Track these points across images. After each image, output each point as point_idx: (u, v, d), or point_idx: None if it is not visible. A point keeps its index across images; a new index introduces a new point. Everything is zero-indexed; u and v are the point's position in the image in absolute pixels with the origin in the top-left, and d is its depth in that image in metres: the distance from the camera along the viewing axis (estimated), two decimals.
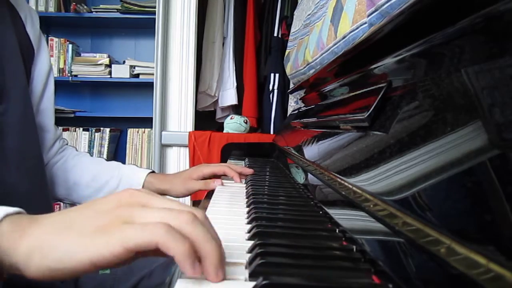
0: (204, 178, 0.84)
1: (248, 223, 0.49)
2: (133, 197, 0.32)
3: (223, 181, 0.81)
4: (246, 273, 0.33)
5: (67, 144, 0.88)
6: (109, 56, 2.44)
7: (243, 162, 1.20)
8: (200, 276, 0.29)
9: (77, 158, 0.85)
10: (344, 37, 0.78)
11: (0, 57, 0.61)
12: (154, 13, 1.75)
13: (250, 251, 0.38)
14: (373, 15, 0.60)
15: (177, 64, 1.77)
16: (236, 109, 2.22)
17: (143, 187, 0.84)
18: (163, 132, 1.74)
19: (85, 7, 2.44)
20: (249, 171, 0.86)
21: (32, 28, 0.73)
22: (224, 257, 0.31)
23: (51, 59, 2.64)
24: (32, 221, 0.32)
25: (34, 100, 0.74)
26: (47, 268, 0.29)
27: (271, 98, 2.14)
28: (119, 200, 0.32)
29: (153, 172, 0.87)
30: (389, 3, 0.55)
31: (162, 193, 0.85)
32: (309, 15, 1.21)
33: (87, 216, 0.31)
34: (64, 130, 2.46)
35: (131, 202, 0.32)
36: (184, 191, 0.83)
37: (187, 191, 0.84)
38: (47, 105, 0.77)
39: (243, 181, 0.84)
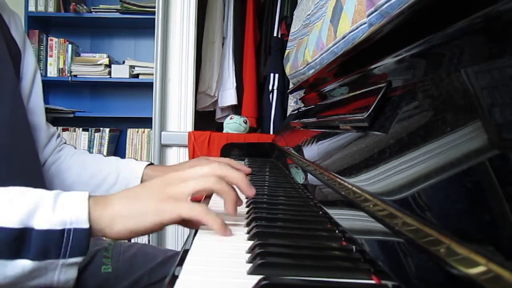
0: None
1: (248, 223, 0.49)
2: (174, 178, 0.47)
3: None
4: (246, 267, 0.33)
5: (65, 143, 0.88)
6: (108, 56, 2.44)
7: (242, 162, 1.20)
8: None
9: (75, 157, 0.85)
10: (343, 37, 0.78)
11: None
12: (153, 13, 1.74)
13: (250, 251, 0.38)
14: (372, 15, 0.60)
15: (176, 64, 1.77)
16: (236, 109, 2.22)
17: (141, 180, 0.83)
18: (162, 132, 1.74)
19: (85, 7, 2.44)
20: (248, 170, 0.86)
21: (17, 31, 0.75)
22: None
23: (50, 59, 2.61)
24: (107, 198, 0.44)
25: (23, 100, 0.74)
26: (127, 230, 0.42)
27: (270, 98, 2.14)
28: (165, 181, 0.47)
29: (151, 164, 0.86)
30: (388, 3, 0.55)
31: None
32: (308, 15, 1.21)
33: (147, 193, 0.45)
34: (63, 130, 2.45)
35: (172, 181, 0.46)
36: None
37: None
38: (35, 104, 0.78)
39: None
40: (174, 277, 0.32)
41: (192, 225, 0.47)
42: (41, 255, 0.39)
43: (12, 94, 0.68)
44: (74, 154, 0.86)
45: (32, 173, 0.71)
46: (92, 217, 0.42)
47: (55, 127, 0.86)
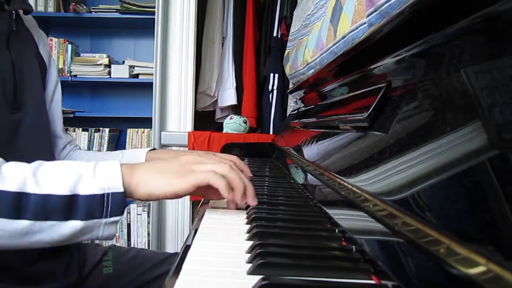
0: None
1: (248, 223, 0.49)
2: (195, 159, 0.57)
3: None
4: (246, 267, 0.33)
5: (79, 148, 0.93)
6: (108, 56, 2.44)
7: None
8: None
9: (83, 154, 0.89)
10: (343, 37, 0.78)
11: (21, 71, 0.70)
12: (153, 13, 1.74)
13: (249, 251, 0.38)
14: (372, 15, 0.60)
15: (176, 64, 1.76)
16: (236, 109, 2.22)
17: None
18: (162, 132, 1.74)
19: (85, 7, 2.44)
20: (250, 174, 0.86)
21: (44, 48, 0.83)
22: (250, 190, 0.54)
23: None
24: (134, 167, 0.52)
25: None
26: (146, 193, 0.50)
27: (270, 98, 2.13)
28: (186, 160, 0.55)
29: (154, 149, 0.89)
30: (388, 3, 0.55)
31: None
32: (308, 15, 1.21)
33: (169, 167, 0.53)
34: None
35: (193, 160, 0.56)
36: None
37: None
38: (54, 113, 0.84)
39: None
40: (174, 275, 0.32)
41: (207, 195, 0.58)
42: (88, 216, 0.47)
43: (38, 105, 0.74)
44: (83, 152, 0.90)
45: None
46: (126, 181, 0.50)
47: (73, 137, 0.92)
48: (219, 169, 0.52)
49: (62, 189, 0.47)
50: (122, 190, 0.49)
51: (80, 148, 0.93)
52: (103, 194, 0.48)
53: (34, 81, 0.74)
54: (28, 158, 0.68)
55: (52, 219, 0.46)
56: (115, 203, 0.49)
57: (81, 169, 0.49)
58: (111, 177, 0.49)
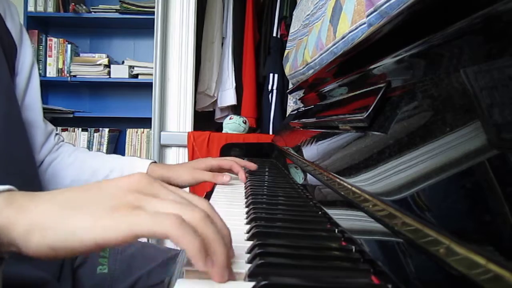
0: (211, 170, 0.84)
1: (247, 223, 0.49)
2: (146, 185, 0.31)
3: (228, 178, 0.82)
4: (246, 267, 0.33)
5: (63, 141, 0.85)
6: (108, 56, 2.44)
7: None
8: (201, 277, 0.30)
9: (75, 154, 0.83)
10: (343, 38, 0.78)
11: None
12: (153, 13, 1.75)
13: (249, 251, 0.38)
14: (372, 15, 0.60)
15: (176, 64, 1.76)
16: (235, 110, 2.22)
17: None
18: (162, 133, 1.74)
19: (84, 7, 2.44)
20: (253, 166, 0.87)
21: (13, 23, 0.71)
22: (232, 256, 0.31)
23: (50, 59, 2.60)
24: (30, 197, 0.31)
25: (18, 96, 0.71)
26: (48, 247, 0.28)
27: (270, 99, 2.14)
28: (130, 184, 0.31)
29: (154, 162, 0.85)
30: (388, 4, 0.55)
31: (166, 181, 0.82)
32: (308, 15, 1.21)
33: (95, 197, 0.29)
34: (63, 130, 2.45)
35: (143, 189, 0.31)
36: (191, 179, 0.81)
37: (194, 180, 0.81)
38: (32, 99, 0.74)
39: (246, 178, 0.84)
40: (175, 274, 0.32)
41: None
42: None
43: (6, 93, 0.64)
44: (74, 151, 0.83)
45: (27, 173, 0.69)
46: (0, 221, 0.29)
47: (53, 125, 0.85)
48: (186, 215, 0.29)
49: None
50: None
51: (63, 140, 0.84)
52: None
53: (0, 67, 0.63)
54: (2, 156, 0.60)
55: None
56: None
57: None
58: None
